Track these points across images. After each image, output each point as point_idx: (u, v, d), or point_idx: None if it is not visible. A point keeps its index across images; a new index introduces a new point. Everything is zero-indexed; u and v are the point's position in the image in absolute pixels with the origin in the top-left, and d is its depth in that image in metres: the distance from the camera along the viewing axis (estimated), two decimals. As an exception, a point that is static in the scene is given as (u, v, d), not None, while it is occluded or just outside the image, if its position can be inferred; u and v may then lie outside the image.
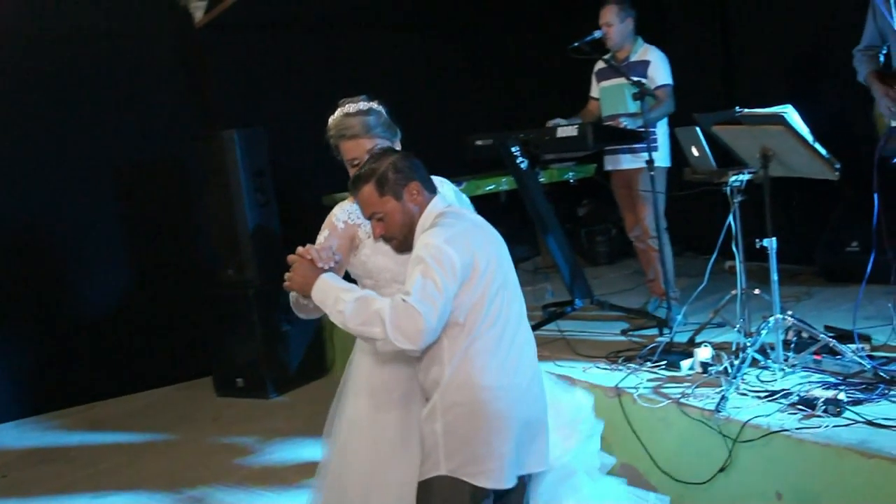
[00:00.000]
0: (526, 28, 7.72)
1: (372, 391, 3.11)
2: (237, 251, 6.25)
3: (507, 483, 2.78)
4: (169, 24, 6.78)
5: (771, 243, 4.00)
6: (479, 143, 5.13)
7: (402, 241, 2.86)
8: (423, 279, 2.62)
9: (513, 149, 4.89)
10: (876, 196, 3.61)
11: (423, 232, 2.79)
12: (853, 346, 4.13)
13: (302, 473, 4.76)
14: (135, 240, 6.68)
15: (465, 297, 2.70)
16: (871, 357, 4.10)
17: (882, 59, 4.16)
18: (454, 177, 6.71)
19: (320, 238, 3.07)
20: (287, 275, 2.83)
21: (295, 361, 6.38)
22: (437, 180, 3.11)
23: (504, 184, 6.45)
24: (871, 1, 3.81)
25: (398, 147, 3.15)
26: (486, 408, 2.72)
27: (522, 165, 4.91)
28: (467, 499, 2.72)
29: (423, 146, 7.06)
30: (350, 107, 3.17)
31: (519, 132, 4.96)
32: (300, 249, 2.83)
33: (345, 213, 3.09)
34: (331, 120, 3.18)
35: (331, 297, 2.71)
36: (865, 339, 4.32)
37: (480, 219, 2.97)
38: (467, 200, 3.33)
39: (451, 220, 2.80)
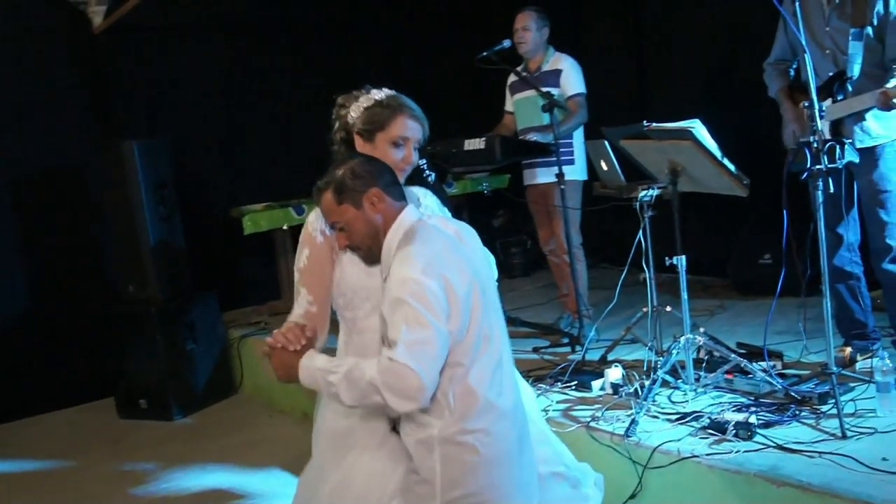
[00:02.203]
0: (444, 37, 7.58)
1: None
2: (139, 267, 5.98)
3: None
4: (67, 29, 6.48)
5: (680, 261, 3.91)
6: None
7: (368, 253, 2.64)
8: (407, 328, 2.39)
9: (420, 161, 4.73)
10: (785, 212, 3.52)
11: (394, 252, 2.55)
12: (765, 365, 4.07)
13: (202, 502, 4.57)
14: (33, 255, 6.35)
15: (451, 329, 2.46)
16: (782, 376, 4.04)
17: (792, 73, 4.09)
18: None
19: (301, 258, 2.80)
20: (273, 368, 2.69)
21: (201, 381, 6.13)
22: (420, 191, 2.97)
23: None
24: (781, 14, 3.73)
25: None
26: (485, 441, 2.51)
27: (430, 178, 4.76)
28: None
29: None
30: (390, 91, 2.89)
31: (426, 145, 4.81)
32: (268, 340, 2.65)
33: (320, 222, 2.78)
34: (375, 96, 2.84)
35: (319, 380, 2.53)
36: (777, 356, 4.26)
37: (457, 228, 2.71)
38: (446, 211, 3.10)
39: (423, 238, 2.55)
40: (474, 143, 4.69)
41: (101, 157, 6.06)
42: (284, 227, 6.48)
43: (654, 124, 3.70)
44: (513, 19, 5.21)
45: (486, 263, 2.74)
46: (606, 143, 4.21)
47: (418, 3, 7.33)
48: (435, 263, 2.46)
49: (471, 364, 2.51)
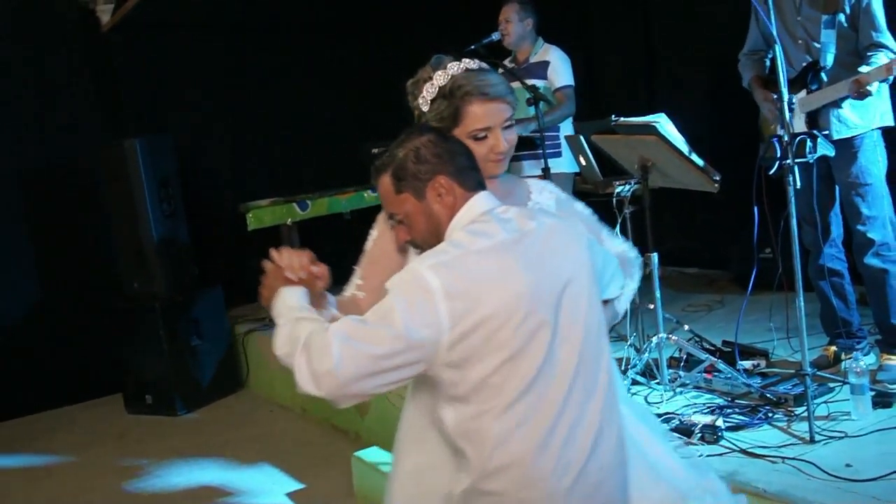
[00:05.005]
0: (437, 31, 7.46)
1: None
2: (143, 263, 6.03)
3: None
4: (75, 28, 6.54)
5: (653, 258, 3.81)
6: (375, 151, 4.96)
7: None
8: (372, 314, 1.98)
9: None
10: (756, 208, 3.43)
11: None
12: (748, 364, 3.99)
13: (191, 499, 4.60)
14: (39, 251, 6.43)
15: (471, 351, 1.94)
16: (763, 375, 3.95)
17: (767, 62, 3.97)
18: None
19: (370, 238, 2.50)
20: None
21: (206, 377, 6.17)
22: (539, 185, 2.49)
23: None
24: (752, 4, 3.61)
25: None
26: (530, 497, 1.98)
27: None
28: None
29: (341, 150, 6.99)
30: (472, 62, 2.36)
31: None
32: (272, 253, 2.26)
33: None
34: (438, 81, 2.32)
35: (282, 316, 2.12)
36: (763, 354, 4.16)
37: (540, 227, 2.08)
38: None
39: (472, 232, 2.05)
40: (457, 138, 4.62)
41: (105, 154, 6.11)
42: (289, 223, 6.48)
43: (622, 119, 3.62)
44: (497, 15, 5.14)
45: (567, 265, 2.09)
46: (582, 138, 4.13)
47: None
48: (454, 264, 1.97)
49: (502, 410, 1.96)
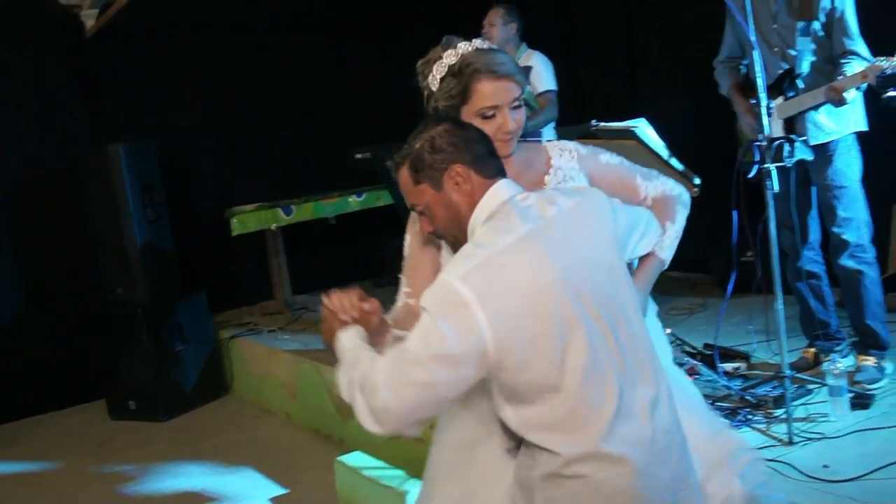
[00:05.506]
0: (422, 36, 7.48)
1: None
2: (126, 269, 6.02)
3: None
4: (59, 32, 6.53)
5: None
6: (358, 156, 4.97)
7: (455, 243, 2.17)
8: (413, 334, 1.98)
9: (388, 162, 4.70)
10: (735, 213, 3.45)
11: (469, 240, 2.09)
12: (729, 367, 4.02)
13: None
14: (22, 257, 6.41)
15: (518, 352, 1.93)
16: (744, 377, 3.98)
17: (743, 69, 4.00)
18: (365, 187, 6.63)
19: (405, 246, 2.48)
20: None
21: (190, 382, 6.16)
22: (557, 146, 2.45)
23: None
24: (728, 10, 3.64)
25: None
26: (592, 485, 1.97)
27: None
28: None
29: (326, 155, 6.98)
30: (482, 42, 2.37)
31: (396, 145, 4.78)
32: (324, 298, 2.27)
33: None
34: (448, 59, 2.32)
35: (340, 360, 2.15)
36: (744, 356, 4.19)
37: (561, 212, 2.06)
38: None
39: (496, 229, 2.03)
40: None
41: (88, 160, 6.10)
42: (273, 227, 6.49)
43: (602, 123, 3.64)
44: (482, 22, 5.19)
45: (606, 267, 2.07)
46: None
47: (401, 4, 7.25)
48: (483, 269, 1.95)
49: (569, 402, 1.96)
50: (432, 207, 2.15)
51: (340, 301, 2.24)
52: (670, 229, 2.44)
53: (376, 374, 1.97)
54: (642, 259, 2.42)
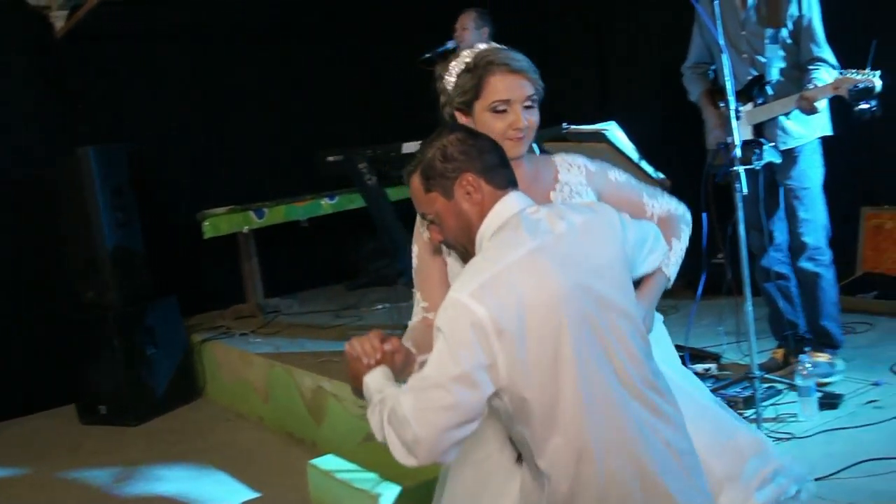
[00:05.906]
0: (392, 40, 7.52)
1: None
2: (97, 273, 5.97)
3: None
4: (27, 34, 6.47)
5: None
6: (330, 159, 4.98)
7: (464, 253, 2.19)
8: (431, 359, 1.99)
9: (360, 165, 4.72)
10: (704, 215, 3.48)
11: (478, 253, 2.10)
12: (699, 367, 4.05)
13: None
14: (-9, 262, 6.37)
15: (523, 368, 1.94)
16: (715, 378, 4.01)
17: (711, 74, 4.04)
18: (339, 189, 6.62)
19: (413, 259, 2.49)
20: None
21: (162, 386, 6.11)
22: (566, 160, 2.47)
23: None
24: (696, 14, 3.68)
25: None
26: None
27: (370, 182, 4.75)
28: None
29: (297, 158, 6.96)
30: (501, 45, 2.42)
31: (367, 148, 4.81)
32: (346, 348, 2.28)
33: None
34: (466, 57, 2.38)
35: (369, 403, 2.15)
36: (714, 357, 4.22)
37: (571, 228, 2.07)
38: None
39: (505, 242, 2.03)
40: (413, 147, 4.66)
41: (58, 163, 6.06)
42: (245, 230, 6.47)
43: (573, 126, 3.66)
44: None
45: (615, 286, 2.06)
46: (535, 145, 4.16)
47: (374, 7, 7.25)
48: (493, 284, 1.94)
49: (571, 428, 1.95)
50: (443, 216, 2.15)
51: (362, 346, 2.25)
52: (676, 246, 2.47)
53: (402, 406, 1.97)
54: (647, 276, 2.43)
